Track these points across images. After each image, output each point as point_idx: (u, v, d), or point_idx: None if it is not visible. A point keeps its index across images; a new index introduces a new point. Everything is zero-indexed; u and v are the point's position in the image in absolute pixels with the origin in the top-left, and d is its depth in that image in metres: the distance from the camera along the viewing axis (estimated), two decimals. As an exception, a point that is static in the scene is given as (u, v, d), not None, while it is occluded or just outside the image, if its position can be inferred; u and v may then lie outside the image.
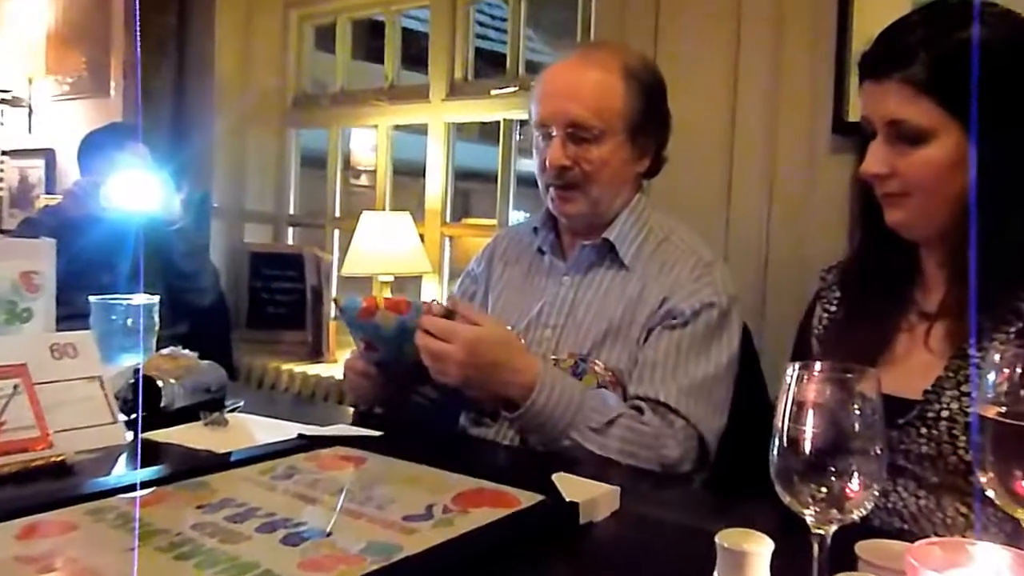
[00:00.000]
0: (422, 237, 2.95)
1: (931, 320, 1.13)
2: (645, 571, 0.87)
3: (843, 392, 0.68)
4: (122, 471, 1.14)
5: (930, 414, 1.06)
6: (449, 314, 1.30)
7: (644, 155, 1.52)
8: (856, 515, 0.68)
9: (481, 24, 5.14)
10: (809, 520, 0.69)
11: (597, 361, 1.43)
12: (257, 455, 1.10)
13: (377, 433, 1.21)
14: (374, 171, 3.49)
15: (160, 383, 1.37)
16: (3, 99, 4.06)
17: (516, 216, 3.04)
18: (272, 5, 3.58)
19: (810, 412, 0.68)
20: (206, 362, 1.50)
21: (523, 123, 2.94)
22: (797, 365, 0.70)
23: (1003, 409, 0.69)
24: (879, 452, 0.67)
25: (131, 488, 0.95)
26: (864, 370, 0.69)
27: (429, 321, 1.30)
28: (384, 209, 3.27)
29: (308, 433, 1.20)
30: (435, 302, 1.36)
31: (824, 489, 0.67)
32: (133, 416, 1.29)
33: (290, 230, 3.66)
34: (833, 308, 1.25)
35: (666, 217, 1.56)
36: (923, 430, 1.06)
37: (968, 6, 1.00)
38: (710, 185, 2.17)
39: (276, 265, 3.37)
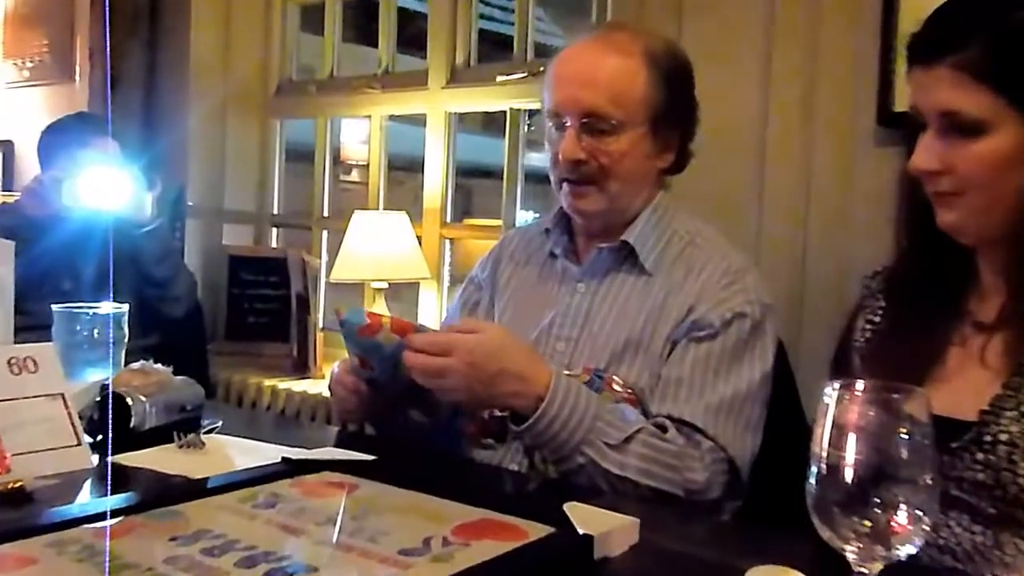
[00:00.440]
0: (419, 239, 2.95)
1: (988, 332, 1.12)
2: (668, 612, 0.87)
3: (888, 414, 0.68)
4: (87, 499, 1.14)
5: (987, 437, 1.06)
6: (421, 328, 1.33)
7: (667, 149, 1.53)
8: (903, 552, 0.68)
9: (485, 3, 5.16)
10: (851, 557, 0.69)
11: (615, 377, 1.43)
12: (236, 481, 1.10)
13: (369, 457, 1.21)
14: (366, 166, 3.50)
15: (130, 401, 1.37)
16: (-45, 86, 4.09)
17: (524, 216, 3.05)
18: (254, -19, 3.60)
19: (851, 436, 0.68)
20: (180, 378, 1.50)
21: (532, 113, 2.95)
22: (837, 383, 0.70)
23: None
24: (929, 481, 0.67)
25: (97, 518, 0.95)
26: (912, 389, 0.69)
27: (421, 339, 1.30)
28: (377, 208, 3.28)
29: (293, 456, 1.20)
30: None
31: (867, 523, 0.67)
32: (100, 438, 1.29)
33: (273, 231, 3.67)
34: (877, 319, 1.25)
35: (692, 218, 1.56)
36: (979, 455, 1.06)
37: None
38: (741, 183, 2.18)
39: (258, 270, 3.38)
